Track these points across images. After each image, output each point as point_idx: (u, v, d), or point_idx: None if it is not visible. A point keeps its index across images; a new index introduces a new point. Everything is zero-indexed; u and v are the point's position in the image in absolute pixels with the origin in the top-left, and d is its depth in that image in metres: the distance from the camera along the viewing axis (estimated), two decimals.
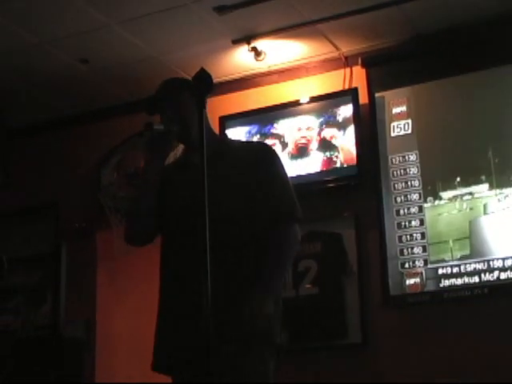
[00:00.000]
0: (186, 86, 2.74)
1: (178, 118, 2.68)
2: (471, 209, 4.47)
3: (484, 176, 4.47)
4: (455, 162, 4.58)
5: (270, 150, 2.78)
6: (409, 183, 4.63)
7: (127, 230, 2.72)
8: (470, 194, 4.49)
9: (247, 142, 2.93)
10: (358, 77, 4.90)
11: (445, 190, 4.55)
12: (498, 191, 4.42)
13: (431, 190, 4.57)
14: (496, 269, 4.31)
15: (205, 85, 2.35)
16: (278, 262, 2.59)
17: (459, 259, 4.41)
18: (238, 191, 2.60)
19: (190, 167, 2.64)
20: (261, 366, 2.52)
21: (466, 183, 4.51)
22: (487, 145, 4.51)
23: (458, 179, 4.53)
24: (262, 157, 2.70)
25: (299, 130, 4.94)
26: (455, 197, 4.52)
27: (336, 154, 4.82)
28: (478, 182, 4.48)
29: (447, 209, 4.52)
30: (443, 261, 4.45)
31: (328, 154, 4.84)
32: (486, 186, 4.46)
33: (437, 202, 4.55)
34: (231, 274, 2.52)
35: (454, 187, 4.52)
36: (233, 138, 2.86)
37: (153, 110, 2.75)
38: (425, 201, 4.56)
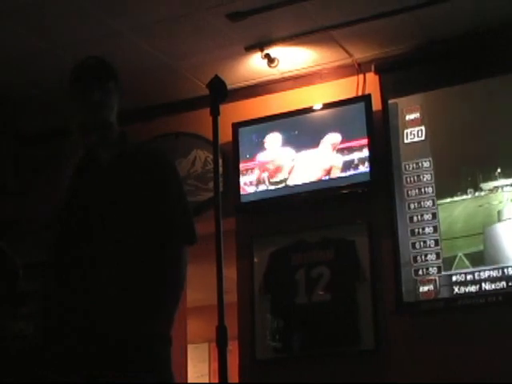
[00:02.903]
0: (115, 73, 2.70)
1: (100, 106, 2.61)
2: (485, 215, 4.45)
3: (498, 182, 4.45)
4: (468, 169, 4.56)
5: (164, 158, 2.69)
6: (422, 190, 4.62)
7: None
8: (484, 200, 4.47)
9: (142, 145, 2.84)
10: (371, 83, 4.89)
11: (458, 196, 4.52)
12: None
13: (444, 197, 4.55)
14: (510, 276, 4.29)
15: (219, 92, 2.36)
16: (172, 289, 2.51)
17: (473, 266, 4.38)
18: (134, 196, 2.53)
19: (95, 165, 2.58)
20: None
21: (480, 189, 4.49)
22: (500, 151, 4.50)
23: (470, 190, 4.50)
24: (161, 165, 2.62)
25: None
26: (469, 204, 4.50)
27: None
28: (491, 188, 4.46)
29: (461, 216, 4.50)
30: (457, 268, 4.43)
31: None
32: (500, 192, 4.44)
33: (450, 209, 4.53)
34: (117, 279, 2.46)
35: (467, 193, 4.50)
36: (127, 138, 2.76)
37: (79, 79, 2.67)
38: (438, 207, 4.55)
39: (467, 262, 4.41)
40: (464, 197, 4.52)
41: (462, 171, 4.55)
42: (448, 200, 4.55)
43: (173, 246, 2.52)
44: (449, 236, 4.50)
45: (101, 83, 2.60)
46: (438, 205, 4.55)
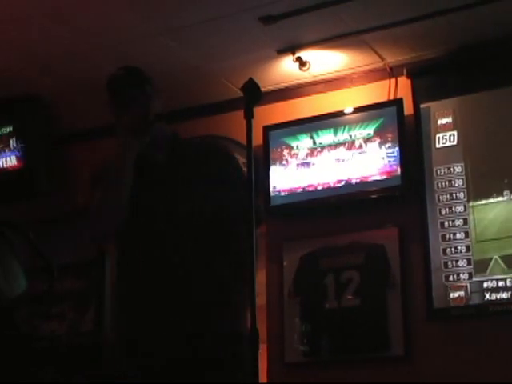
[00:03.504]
0: (146, 78, 2.73)
1: (145, 108, 2.60)
2: None
3: None
4: (501, 174, 4.52)
5: (223, 150, 2.73)
6: (454, 195, 4.58)
7: (98, 226, 2.55)
8: None
9: (197, 140, 2.87)
10: (403, 87, 4.87)
11: (494, 198, 4.47)
12: None
13: (479, 199, 4.51)
14: None
15: (253, 95, 2.37)
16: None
17: (509, 269, 4.34)
18: (197, 189, 2.55)
19: (152, 165, 2.59)
20: None
21: None
22: None
23: (506, 192, 4.46)
24: (218, 156, 2.66)
25: None
26: (502, 209, 4.45)
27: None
28: None
29: (497, 218, 4.45)
30: (488, 274, 4.39)
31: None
32: None
33: (486, 211, 4.48)
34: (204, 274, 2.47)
35: (503, 195, 4.45)
36: (184, 136, 2.78)
37: (118, 89, 2.66)
38: (473, 209, 4.50)
39: (503, 265, 4.36)
40: (500, 198, 4.47)
41: (497, 173, 4.50)
42: (483, 202, 4.50)
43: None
44: (484, 238, 4.44)
45: (137, 87, 2.64)
46: (473, 207, 4.51)
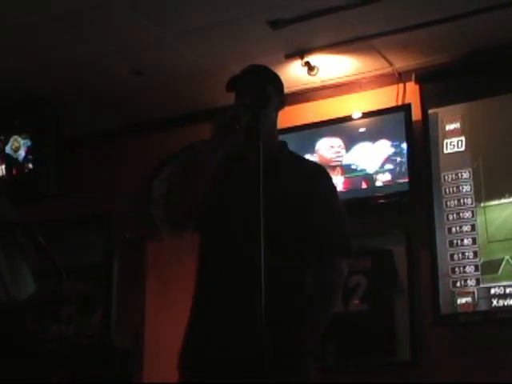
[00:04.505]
0: (275, 79, 2.63)
1: (256, 107, 2.44)
2: None
3: None
4: (509, 181, 4.51)
5: (328, 175, 2.68)
6: (461, 201, 4.58)
7: (174, 213, 2.52)
8: None
9: (303, 158, 2.81)
10: (412, 93, 4.87)
11: (506, 198, 4.46)
12: None
13: (491, 199, 4.49)
14: None
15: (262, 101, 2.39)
16: (329, 302, 2.58)
17: None
18: (293, 207, 2.50)
19: (247, 165, 2.48)
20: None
21: None
22: None
23: None
24: (322, 180, 2.60)
25: None
26: (509, 215, 4.45)
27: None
28: None
29: (505, 222, 4.44)
30: (496, 280, 4.38)
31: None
32: None
33: (498, 211, 4.47)
34: (281, 290, 2.43)
35: (508, 206, 4.45)
36: (289, 149, 2.69)
37: (234, 87, 2.59)
38: (482, 213, 4.49)
39: (508, 274, 4.35)
40: (503, 210, 4.46)
41: (509, 173, 4.49)
42: (495, 202, 4.49)
43: (333, 258, 2.53)
44: (496, 239, 4.43)
45: (256, 86, 2.53)
46: (485, 207, 4.49)
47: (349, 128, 4.96)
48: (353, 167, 4.90)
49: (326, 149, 4.99)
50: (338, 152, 4.96)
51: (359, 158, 4.89)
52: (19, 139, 5.45)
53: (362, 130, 4.93)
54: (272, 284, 2.20)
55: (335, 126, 4.98)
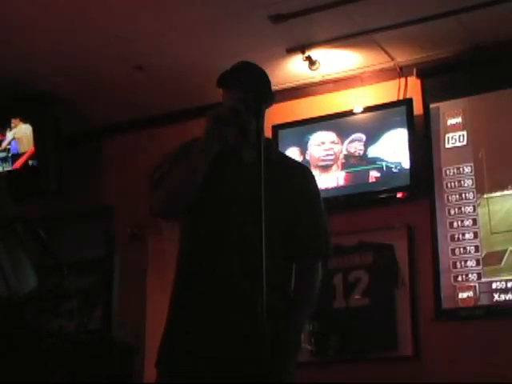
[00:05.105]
0: (266, 76, 2.65)
1: (247, 104, 2.46)
2: None
3: None
4: (511, 175, 4.50)
5: (312, 174, 2.68)
6: (463, 195, 4.57)
7: (163, 202, 2.50)
8: None
9: (288, 157, 2.80)
10: (413, 87, 4.86)
11: (509, 190, 4.45)
12: None
13: (492, 194, 4.48)
14: None
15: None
16: (310, 302, 2.59)
17: None
18: (281, 204, 2.48)
19: (239, 162, 2.51)
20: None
21: None
22: None
23: None
24: (308, 179, 2.61)
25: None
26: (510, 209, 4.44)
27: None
28: None
29: (509, 212, 4.42)
30: (497, 275, 4.37)
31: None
32: None
33: (502, 202, 4.45)
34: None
35: (510, 197, 4.44)
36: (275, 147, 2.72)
37: (227, 84, 2.57)
38: (485, 205, 4.48)
39: (509, 268, 4.35)
40: (504, 204, 4.46)
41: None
42: (498, 194, 4.48)
43: (311, 259, 2.56)
44: (499, 230, 4.43)
45: (246, 84, 2.55)
46: (488, 198, 4.48)
47: (350, 123, 4.94)
48: (354, 162, 4.89)
49: (327, 143, 4.98)
50: (339, 147, 4.95)
51: (360, 152, 4.88)
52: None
53: (363, 124, 4.92)
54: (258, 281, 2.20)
55: (336, 120, 4.97)
